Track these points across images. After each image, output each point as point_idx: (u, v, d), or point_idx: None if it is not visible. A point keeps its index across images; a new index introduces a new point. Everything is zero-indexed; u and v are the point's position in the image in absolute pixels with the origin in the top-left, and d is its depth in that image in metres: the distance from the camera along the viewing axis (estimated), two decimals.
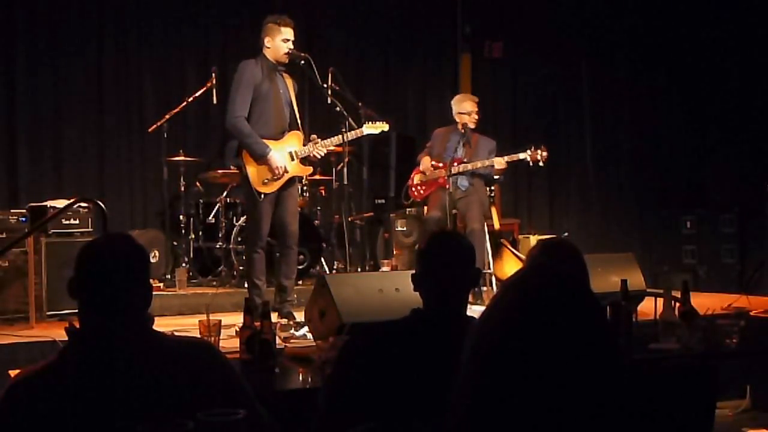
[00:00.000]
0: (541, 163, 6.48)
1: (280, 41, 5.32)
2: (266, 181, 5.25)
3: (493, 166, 6.42)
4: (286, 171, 5.27)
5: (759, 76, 8.48)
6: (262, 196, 5.23)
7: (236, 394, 1.96)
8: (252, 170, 5.23)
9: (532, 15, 9.11)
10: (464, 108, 6.65)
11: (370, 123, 5.67)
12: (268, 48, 5.34)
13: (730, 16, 8.63)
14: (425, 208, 6.88)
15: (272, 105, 5.29)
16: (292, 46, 5.35)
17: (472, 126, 6.62)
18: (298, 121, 5.48)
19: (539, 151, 6.41)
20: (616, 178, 9.41)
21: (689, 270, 8.27)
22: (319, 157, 5.61)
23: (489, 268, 6.65)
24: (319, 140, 5.47)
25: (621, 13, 9.16)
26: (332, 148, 5.73)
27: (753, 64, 8.54)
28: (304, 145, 5.43)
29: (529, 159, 6.44)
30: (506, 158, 6.45)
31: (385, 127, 5.73)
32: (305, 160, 5.50)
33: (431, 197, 6.63)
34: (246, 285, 5.46)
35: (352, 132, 5.54)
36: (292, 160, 5.35)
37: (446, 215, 6.25)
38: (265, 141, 5.24)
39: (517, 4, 9.10)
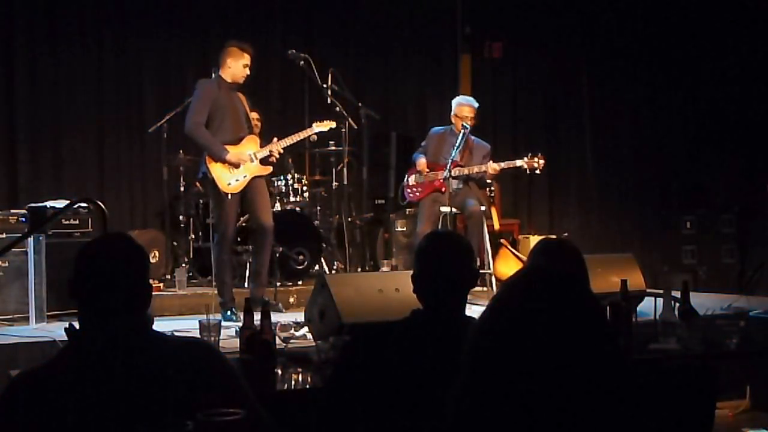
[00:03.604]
0: (537, 171, 6.47)
1: (241, 65, 5.70)
2: (230, 182, 5.60)
3: (486, 171, 6.42)
4: (251, 159, 5.66)
5: (759, 76, 8.48)
6: (229, 196, 5.57)
7: (236, 394, 1.95)
8: (217, 173, 5.59)
9: (532, 15, 9.11)
10: (461, 112, 6.62)
11: (318, 122, 6.07)
12: (229, 68, 5.70)
13: (730, 16, 8.63)
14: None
15: (230, 115, 5.69)
16: (248, 72, 5.73)
17: (457, 129, 6.59)
18: (253, 130, 5.91)
19: (536, 159, 6.39)
20: (616, 178, 9.40)
21: (689, 270, 8.26)
22: (278, 155, 5.89)
23: (489, 268, 6.66)
24: (276, 140, 5.85)
25: (621, 13, 9.15)
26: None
27: (753, 64, 8.54)
28: (261, 147, 5.79)
29: (525, 167, 6.42)
30: (502, 164, 6.44)
31: (332, 124, 6.18)
32: (264, 161, 5.79)
33: (423, 207, 6.57)
34: (216, 283, 5.82)
35: (304, 131, 5.99)
36: (252, 161, 5.69)
37: (437, 228, 6.24)
38: (224, 146, 5.59)
39: (517, 4, 9.09)
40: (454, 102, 6.78)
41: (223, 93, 5.67)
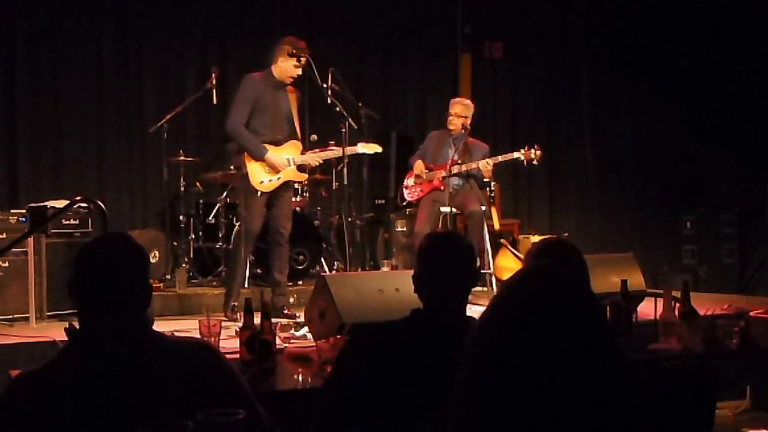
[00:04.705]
0: (535, 162, 6.54)
1: (291, 65, 5.58)
2: (263, 180, 5.58)
3: (479, 169, 6.48)
4: (287, 164, 5.64)
5: (759, 75, 8.48)
6: (259, 193, 5.57)
7: (236, 394, 1.95)
8: (251, 168, 5.57)
9: (532, 15, 9.11)
10: (453, 109, 6.73)
11: (364, 143, 6.03)
12: (279, 66, 5.61)
13: (730, 15, 8.63)
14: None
15: (270, 116, 5.63)
16: (300, 73, 5.63)
17: (452, 128, 6.69)
18: (298, 133, 5.81)
19: (533, 150, 6.47)
20: (616, 178, 9.41)
21: (689, 270, 8.27)
22: (315, 165, 5.93)
23: (489, 268, 6.66)
24: (318, 151, 5.89)
25: (621, 13, 9.15)
26: (324, 159, 6.03)
27: (753, 64, 8.54)
28: (301, 155, 5.77)
29: (522, 158, 6.50)
30: (499, 158, 6.51)
31: (379, 149, 6.14)
32: (301, 168, 5.79)
33: (421, 208, 6.66)
34: (226, 278, 5.88)
35: (348, 149, 5.93)
36: (289, 165, 5.68)
37: (436, 228, 6.28)
38: (264, 146, 5.58)
39: (517, 4, 9.09)
40: (450, 102, 6.88)
41: (268, 90, 5.59)
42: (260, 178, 5.57)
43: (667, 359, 3.49)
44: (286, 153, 5.68)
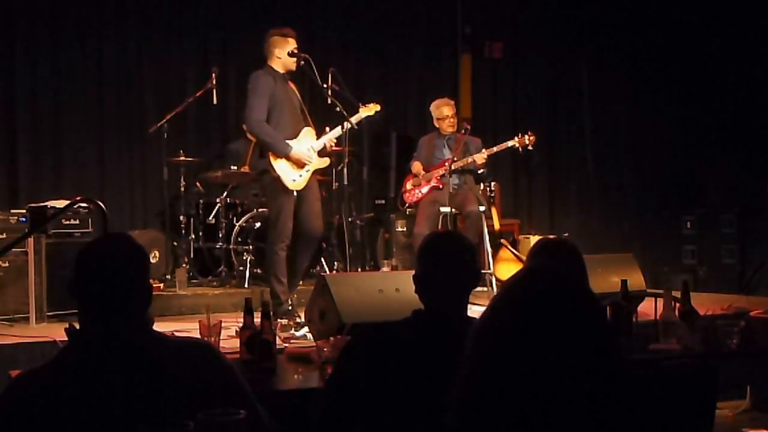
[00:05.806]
0: (530, 147, 6.59)
1: (291, 59, 5.55)
2: (295, 178, 5.46)
3: (474, 162, 6.50)
4: (312, 155, 5.54)
5: (759, 75, 8.48)
6: (294, 192, 5.45)
7: (236, 394, 1.96)
8: (280, 168, 5.42)
9: (532, 15, 9.12)
10: (441, 113, 6.81)
11: (364, 107, 5.85)
12: (278, 58, 5.56)
13: (730, 15, 8.63)
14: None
15: (287, 109, 5.54)
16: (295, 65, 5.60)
17: (451, 130, 6.78)
18: (309, 121, 5.74)
19: (526, 137, 6.52)
20: (616, 178, 9.42)
21: (689, 270, 8.27)
22: (333, 146, 5.75)
23: (489, 269, 6.66)
24: (328, 129, 5.74)
25: (621, 13, 9.16)
26: (338, 135, 5.88)
27: (753, 64, 8.54)
28: (317, 139, 5.68)
29: (517, 145, 6.55)
30: (494, 149, 6.55)
31: (377, 107, 5.92)
32: (322, 152, 5.69)
33: (421, 209, 6.69)
34: (270, 283, 5.51)
35: (353, 117, 5.73)
36: (313, 155, 5.59)
37: (436, 229, 6.31)
38: (287, 142, 5.48)
39: (517, 4, 9.10)
40: (432, 107, 6.95)
41: (279, 85, 5.52)
42: (291, 176, 5.43)
43: (667, 359, 3.48)
44: (304, 142, 5.56)
